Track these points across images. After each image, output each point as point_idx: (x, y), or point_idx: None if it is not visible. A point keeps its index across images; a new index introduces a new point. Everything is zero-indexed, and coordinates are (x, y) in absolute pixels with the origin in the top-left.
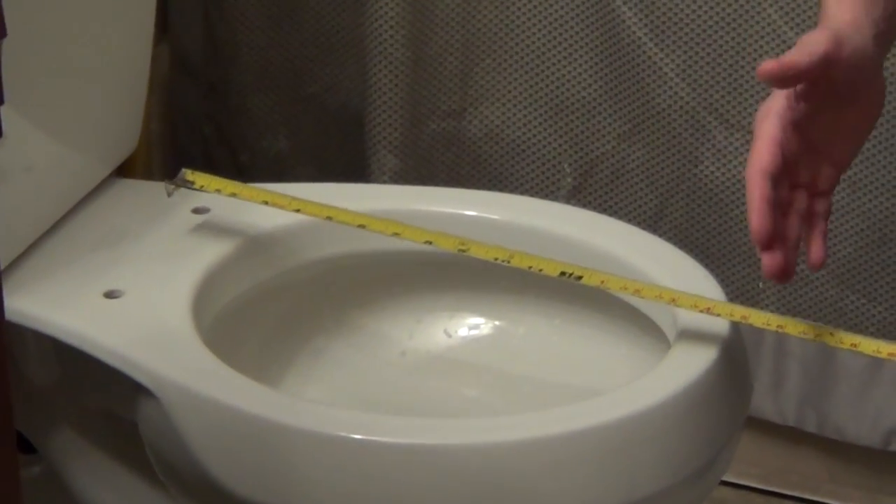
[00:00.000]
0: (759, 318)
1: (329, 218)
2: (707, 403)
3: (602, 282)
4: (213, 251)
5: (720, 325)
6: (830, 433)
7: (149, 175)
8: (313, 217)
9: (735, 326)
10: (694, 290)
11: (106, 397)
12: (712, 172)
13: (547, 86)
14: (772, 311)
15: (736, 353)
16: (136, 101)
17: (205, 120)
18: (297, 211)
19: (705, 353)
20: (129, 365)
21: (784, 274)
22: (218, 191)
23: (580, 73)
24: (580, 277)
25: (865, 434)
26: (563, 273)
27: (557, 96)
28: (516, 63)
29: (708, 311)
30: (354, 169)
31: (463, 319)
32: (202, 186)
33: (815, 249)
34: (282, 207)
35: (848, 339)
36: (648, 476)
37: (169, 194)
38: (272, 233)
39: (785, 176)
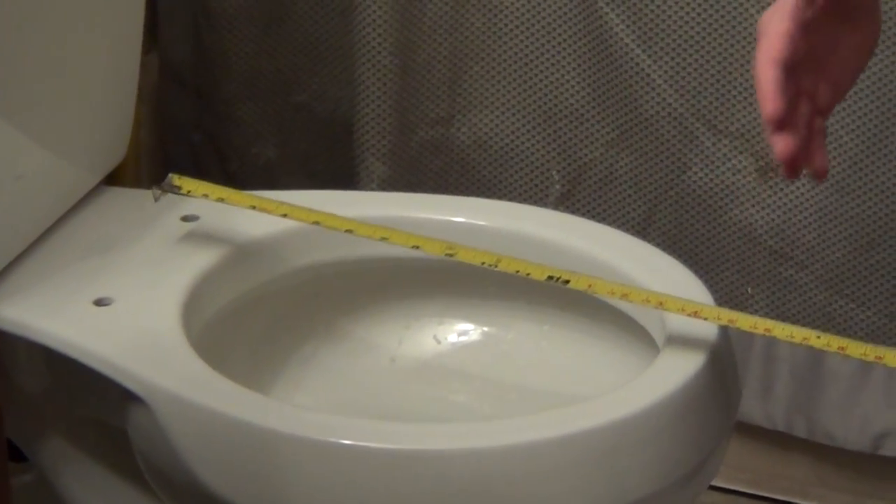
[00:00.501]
0: (747, 322)
1: (316, 223)
2: (695, 408)
3: (590, 286)
4: (202, 259)
5: (709, 330)
6: (819, 438)
7: (138, 183)
8: (301, 222)
9: (724, 331)
10: (683, 296)
11: (96, 405)
12: (700, 178)
13: (535, 93)
14: (760, 316)
15: (724, 358)
16: (125, 110)
17: (194, 128)
18: (285, 216)
19: (694, 358)
20: (119, 372)
21: (795, 159)
22: (205, 195)
23: (568, 81)
24: (567, 281)
25: (854, 438)
26: (550, 277)
27: (546, 103)
28: (504, 70)
29: (695, 314)
30: (343, 176)
31: (452, 326)
32: (189, 191)
33: (819, 158)
34: (269, 212)
35: (836, 343)
36: (637, 481)
37: (156, 199)
38: (261, 240)
39: (792, 74)
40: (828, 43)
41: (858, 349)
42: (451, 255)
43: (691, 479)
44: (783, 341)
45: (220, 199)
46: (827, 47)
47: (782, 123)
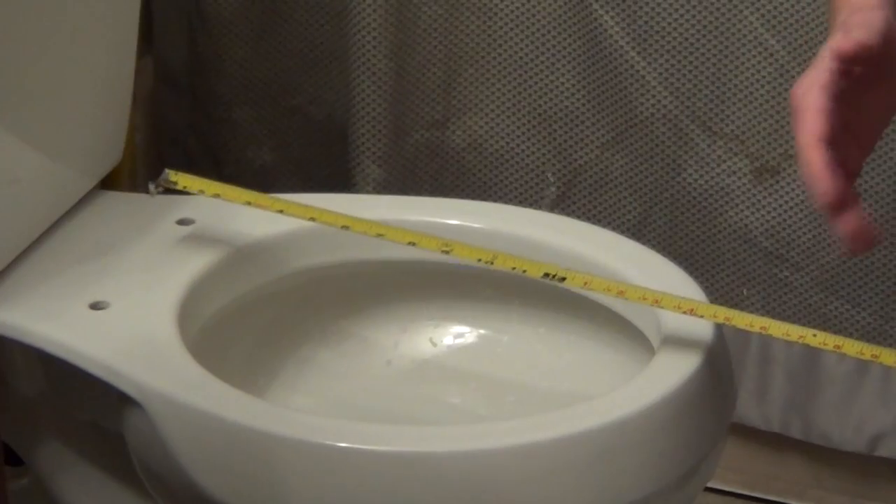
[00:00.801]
0: (743, 320)
1: (312, 219)
2: (691, 410)
3: (586, 283)
4: (198, 262)
5: (704, 332)
6: (815, 439)
7: (133, 187)
8: (297, 224)
9: (719, 332)
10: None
11: (92, 408)
12: (696, 180)
13: (530, 95)
14: (755, 309)
15: (720, 360)
16: (121, 114)
17: (189, 132)
18: (280, 212)
19: (689, 360)
20: (116, 376)
21: (865, 234)
22: (201, 191)
23: (563, 83)
24: (563, 279)
25: (850, 439)
26: (546, 274)
27: (540, 106)
28: (499, 73)
29: (691, 312)
30: (338, 180)
31: (448, 328)
32: (185, 187)
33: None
34: (265, 208)
35: (832, 341)
36: (633, 482)
37: (152, 195)
38: (257, 243)
39: (832, 148)
40: (861, 106)
41: (854, 348)
42: (447, 252)
43: (687, 480)
44: (779, 342)
45: (216, 195)
46: (858, 112)
47: (842, 203)
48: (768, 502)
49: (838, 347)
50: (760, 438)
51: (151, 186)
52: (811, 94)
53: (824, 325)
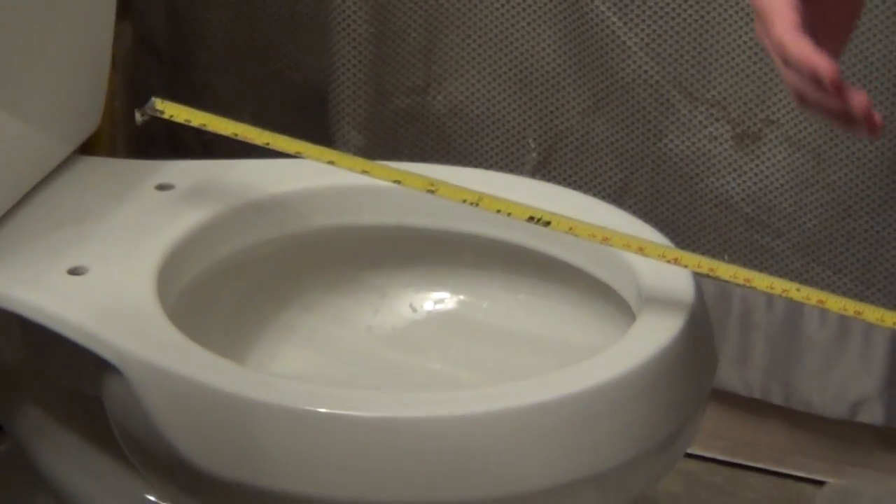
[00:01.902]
0: (727, 271)
1: (298, 153)
2: (672, 375)
3: (570, 228)
4: (177, 227)
5: (685, 297)
6: (796, 405)
7: (112, 153)
8: (284, 151)
9: (700, 298)
10: (661, 264)
11: (72, 374)
12: (677, 146)
13: (510, 61)
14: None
15: (701, 325)
16: (99, 79)
17: (168, 97)
18: (267, 144)
19: (670, 325)
20: (94, 341)
21: (873, 114)
22: (188, 121)
23: (544, 48)
24: (549, 223)
25: (831, 405)
26: (531, 218)
27: (521, 71)
28: (480, 38)
29: (676, 261)
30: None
31: (428, 294)
32: (172, 116)
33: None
34: (251, 140)
35: (815, 296)
36: (613, 448)
37: (138, 123)
38: (236, 209)
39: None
40: (821, 12)
41: (837, 303)
42: (432, 192)
43: (668, 446)
44: (760, 308)
45: (203, 125)
46: (818, 18)
47: (840, 80)
48: (749, 468)
49: (821, 302)
50: (741, 404)
51: (137, 114)
52: None
53: None
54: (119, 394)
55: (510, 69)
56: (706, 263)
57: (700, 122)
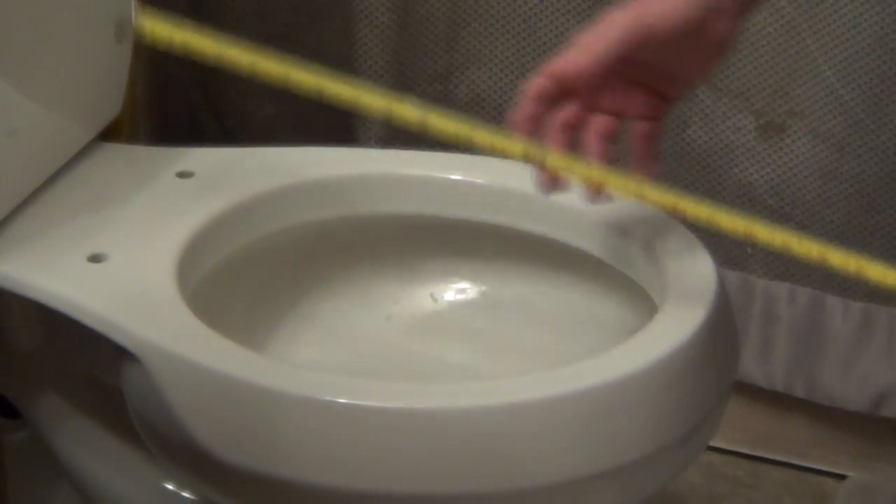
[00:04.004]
0: (726, 221)
1: (286, 76)
2: (694, 368)
3: (565, 166)
4: (197, 215)
5: (708, 289)
6: (819, 398)
7: (134, 140)
8: (270, 74)
9: (723, 290)
10: (683, 257)
11: (90, 361)
12: (700, 137)
13: (533, 50)
14: (760, 276)
15: (724, 318)
16: (120, 65)
17: (191, 85)
18: (252, 67)
19: (692, 318)
20: (113, 329)
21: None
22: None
23: (566, 38)
24: (544, 160)
25: (854, 399)
26: (527, 155)
27: (543, 60)
28: (503, 27)
29: (674, 208)
30: (341, 133)
31: (449, 284)
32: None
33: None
34: (237, 62)
35: (816, 249)
36: (635, 440)
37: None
38: (257, 196)
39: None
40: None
41: (839, 258)
42: (422, 125)
43: (689, 439)
44: (783, 301)
45: (185, 43)
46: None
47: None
48: (770, 461)
49: (822, 256)
50: (763, 397)
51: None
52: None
53: (828, 283)
54: (138, 382)
55: (533, 58)
56: (705, 212)
57: (724, 112)
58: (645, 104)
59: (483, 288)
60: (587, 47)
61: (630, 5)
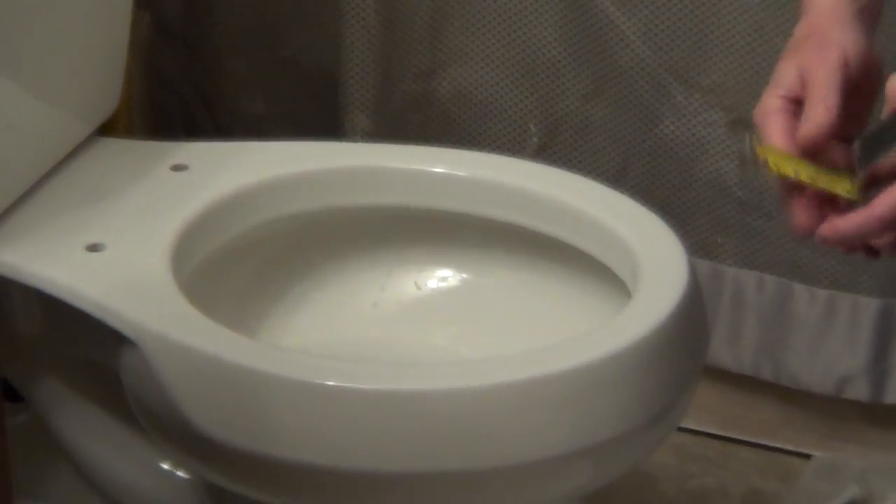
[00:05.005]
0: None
1: None
2: (666, 352)
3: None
4: (191, 206)
5: (679, 277)
6: (785, 381)
7: (130, 134)
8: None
9: (694, 278)
10: (656, 246)
11: (89, 347)
12: (672, 131)
13: (513, 48)
14: (730, 265)
15: (694, 304)
16: (117, 62)
17: (185, 83)
18: None
19: (665, 304)
20: (111, 315)
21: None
22: (796, 173)
23: (545, 36)
24: None
25: (819, 382)
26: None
27: (523, 58)
28: (484, 25)
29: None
30: (328, 128)
31: (432, 272)
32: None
33: None
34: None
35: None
36: (609, 420)
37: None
38: (249, 188)
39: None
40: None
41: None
42: None
43: (661, 420)
44: (752, 289)
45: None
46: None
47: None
48: (740, 442)
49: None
50: (732, 380)
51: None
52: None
53: (795, 271)
54: (134, 366)
55: (513, 56)
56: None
57: (695, 108)
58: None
59: (465, 275)
60: (825, 105)
61: (820, 44)
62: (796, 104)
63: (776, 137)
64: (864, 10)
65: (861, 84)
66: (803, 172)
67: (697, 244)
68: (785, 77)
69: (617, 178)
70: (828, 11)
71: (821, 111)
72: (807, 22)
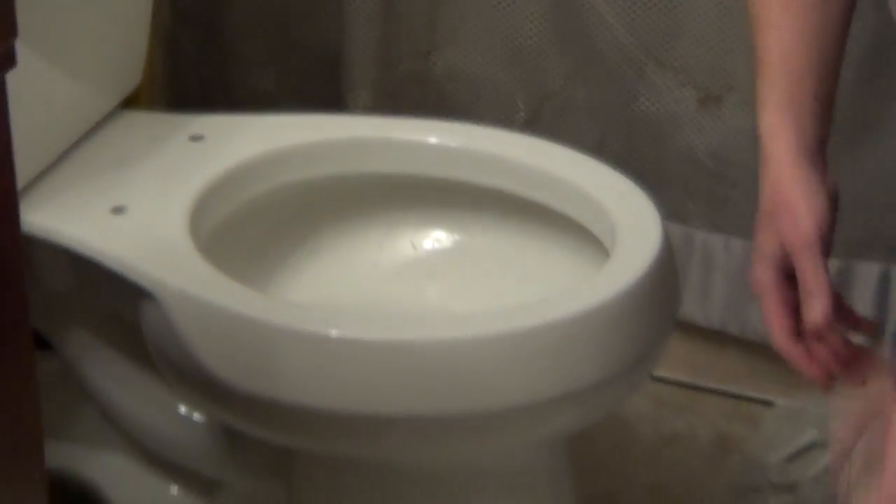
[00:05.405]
0: None
1: None
2: (641, 306)
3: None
4: (207, 173)
5: (654, 239)
6: (750, 335)
7: (151, 108)
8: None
9: (667, 241)
10: (633, 211)
11: (113, 301)
12: (647, 108)
13: (503, 31)
14: (699, 229)
15: (667, 264)
16: (139, 41)
17: (202, 63)
18: None
19: (640, 263)
20: (134, 272)
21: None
22: None
23: (532, 20)
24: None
25: None
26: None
27: (512, 40)
28: (476, 10)
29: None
30: (333, 103)
31: (427, 233)
32: None
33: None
34: None
35: None
36: (590, 368)
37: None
38: (260, 157)
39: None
40: None
41: None
42: None
43: (636, 368)
44: (721, 252)
45: None
46: None
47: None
48: (708, 390)
49: None
50: (702, 334)
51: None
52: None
53: None
54: (154, 318)
55: (502, 39)
56: None
57: (668, 86)
58: None
59: (457, 237)
60: (821, 292)
61: (793, 219)
62: (786, 272)
63: (778, 317)
64: (819, 141)
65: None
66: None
67: (670, 210)
68: (769, 247)
69: (597, 149)
70: (788, 177)
71: (817, 302)
72: (773, 191)
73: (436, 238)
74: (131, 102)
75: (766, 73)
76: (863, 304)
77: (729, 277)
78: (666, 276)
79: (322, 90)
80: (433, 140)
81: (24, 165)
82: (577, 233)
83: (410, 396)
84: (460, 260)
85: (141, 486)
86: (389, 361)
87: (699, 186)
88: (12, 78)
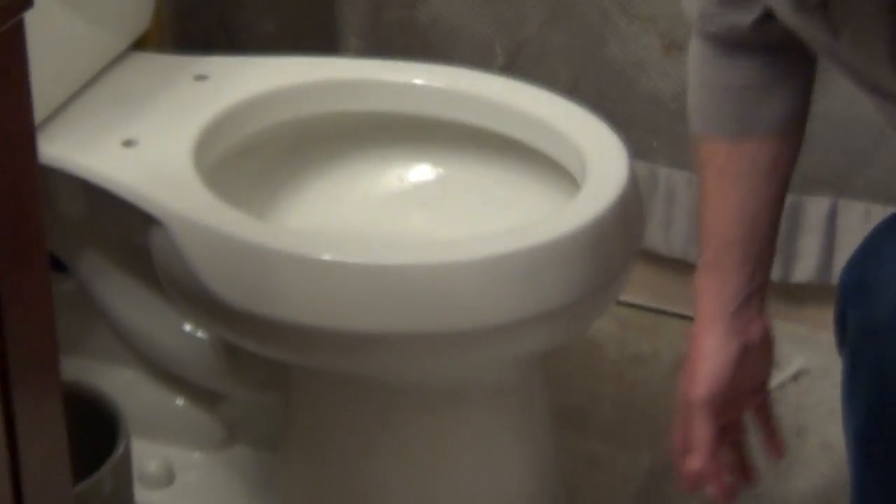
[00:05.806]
0: None
1: None
2: (608, 235)
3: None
4: (211, 110)
5: (621, 173)
6: None
7: (160, 51)
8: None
9: (633, 175)
10: (601, 147)
11: (124, 227)
12: (616, 54)
13: None
14: (663, 165)
15: (633, 196)
16: None
17: (207, 8)
18: None
19: (608, 195)
20: (143, 200)
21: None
22: None
23: None
24: None
25: None
26: None
27: None
28: None
29: None
30: (327, 47)
31: (413, 167)
32: None
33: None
34: None
35: None
36: (561, 291)
37: None
38: (260, 95)
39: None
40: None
41: None
42: None
43: (603, 291)
44: (682, 188)
45: None
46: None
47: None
48: (670, 314)
49: None
50: (665, 262)
51: None
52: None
53: None
54: (162, 243)
55: None
56: None
57: (635, 34)
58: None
59: (440, 171)
60: (704, 446)
61: (691, 377)
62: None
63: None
64: (747, 296)
65: (742, 381)
66: None
67: (636, 148)
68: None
69: (570, 91)
70: (699, 338)
71: (697, 456)
72: (689, 348)
73: (421, 172)
74: (141, 44)
75: (701, 235)
76: (812, 235)
77: (690, 211)
78: (631, 208)
79: (317, 35)
80: (419, 81)
81: (42, 101)
82: (551, 167)
83: (396, 315)
84: (443, 192)
85: (149, 397)
86: (377, 283)
87: (663, 126)
88: (31, 19)
